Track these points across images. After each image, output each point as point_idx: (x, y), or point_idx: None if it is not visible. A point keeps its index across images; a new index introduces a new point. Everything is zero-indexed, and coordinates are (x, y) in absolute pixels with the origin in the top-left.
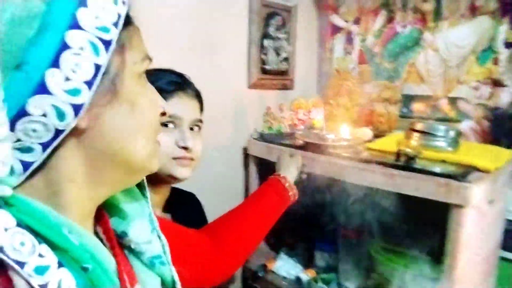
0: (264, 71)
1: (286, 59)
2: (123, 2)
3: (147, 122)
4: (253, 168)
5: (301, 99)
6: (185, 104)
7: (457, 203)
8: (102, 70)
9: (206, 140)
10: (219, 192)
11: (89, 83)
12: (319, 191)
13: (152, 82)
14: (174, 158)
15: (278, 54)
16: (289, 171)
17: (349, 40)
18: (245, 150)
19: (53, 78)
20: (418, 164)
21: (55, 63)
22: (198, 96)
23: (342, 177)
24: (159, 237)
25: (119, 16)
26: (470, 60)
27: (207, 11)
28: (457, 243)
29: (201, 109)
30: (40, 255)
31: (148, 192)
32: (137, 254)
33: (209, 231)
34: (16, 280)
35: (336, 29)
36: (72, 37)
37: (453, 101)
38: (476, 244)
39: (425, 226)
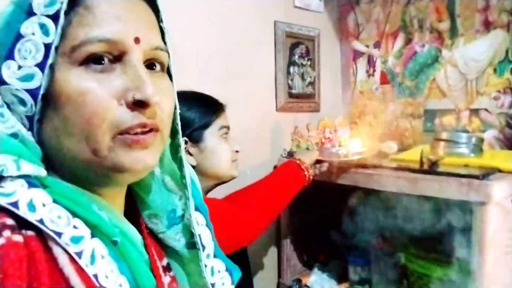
0: (291, 95)
1: (311, 83)
2: None
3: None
4: None
5: (327, 118)
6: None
7: (479, 201)
8: (53, 47)
9: (240, 160)
10: None
11: (41, 65)
12: (346, 203)
13: (205, 100)
14: (233, 161)
15: (303, 79)
16: (305, 157)
17: (371, 63)
18: (275, 168)
19: (8, 69)
20: (441, 168)
21: (11, 55)
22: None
23: (367, 185)
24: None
25: None
26: (488, 72)
27: (238, 43)
28: (483, 241)
29: None
30: (75, 227)
31: (189, 189)
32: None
33: (232, 200)
34: (55, 248)
35: (358, 54)
36: (26, 27)
37: (475, 112)
38: (504, 242)
39: (454, 232)
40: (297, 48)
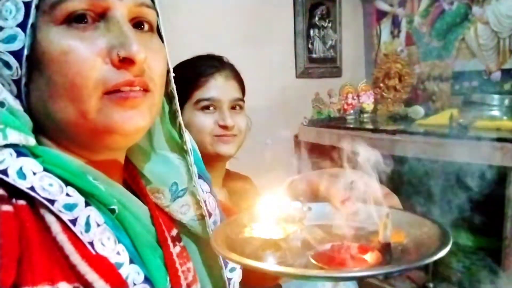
0: (311, 60)
1: (332, 47)
2: None
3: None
4: (304, 153)
5: (349, 84)
6: (222, 86)
7: None
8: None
9: (258, 128)
10: (273, 177)
11: (22, 25)
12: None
13: (192, 68)
14: (216, 136)
15: (324, 43)
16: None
17: (396, 23)
18: (296, 137)
19: None
20: (472, 133)
21: None
22: (236, 76)
23: (390, 151)
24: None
25: None
26: None
27: (254, 5)
28: None
29: (242, 89)
30: (68, 195)
31: (190, 156)
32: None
33: None
34: (47, 217)
35: (381, 14)
36: None
37: (507, 73)
38: None
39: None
40: (317, 9)
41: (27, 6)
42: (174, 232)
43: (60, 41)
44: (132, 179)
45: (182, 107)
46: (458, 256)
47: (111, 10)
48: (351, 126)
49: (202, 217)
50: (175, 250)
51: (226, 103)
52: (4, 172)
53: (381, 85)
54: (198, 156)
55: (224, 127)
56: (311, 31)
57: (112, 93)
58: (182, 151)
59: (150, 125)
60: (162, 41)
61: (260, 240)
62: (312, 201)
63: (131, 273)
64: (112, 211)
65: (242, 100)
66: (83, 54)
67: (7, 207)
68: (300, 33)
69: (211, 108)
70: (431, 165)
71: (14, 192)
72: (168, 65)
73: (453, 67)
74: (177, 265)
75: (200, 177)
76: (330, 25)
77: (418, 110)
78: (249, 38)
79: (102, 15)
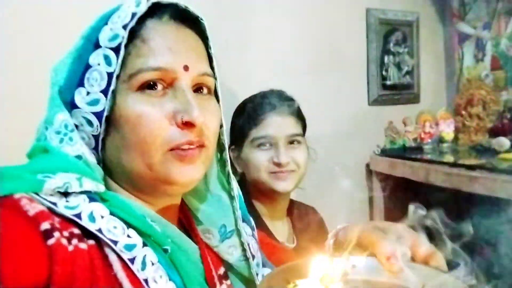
0: (385, 87)
1: (408, 73)
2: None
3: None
4: (376, 184)
5: (427, 111)
6: (277, 124)
7: None
8: (115, 75)
9: (328, 157)
10: (343, 207)
11: (105, 91)
12: (447, 207)
13: (250, 107)
14: (272, 173)
15: (399, 69)
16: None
17: (480, 46)
18: (367, 166)
19: (80, 95)
20: None
21: (81, 83)
22: (295, 112)
23: (470, 189)
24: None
25: (133, 15)
26: None
27: (325, 34)
28: None
29: (302, 123)
30: (129, 236)
31: (236, 201)
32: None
33: None
34: (110, 256)
35: (463, 37)
36: (93, 58)
37: None
38: None
39: None
40: (392, 36)
41: (110, 76)
42: (221, 270)
43: (135, 105)
44: (187, 219)
45: (242, 144)
46: None
47: (178, 81)
48: (426, 158)
49: (246, 258)
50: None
51: (282, 139)
52: (79, 215)
53: (463, 112)
54: (242, 201)
55: (278, 165)
56: (385, 58)
57: (174, 149)
58: (230, 196)
59: (203, 175)
60: (218, 102)
61: None
62: (357, 253)
63: None
64: (166, 250)
65: (301, 135)
66: (153, 117)
67: (83, 245)
68: (373, 60)
69: (267, 145)
70: None
71: (85, 232)
72: (221, 121)
73: None
74: None
75: (243, 220)
76: (406, 50)
77: (503, 142)
78: (319, 66)
79: (170, 84)
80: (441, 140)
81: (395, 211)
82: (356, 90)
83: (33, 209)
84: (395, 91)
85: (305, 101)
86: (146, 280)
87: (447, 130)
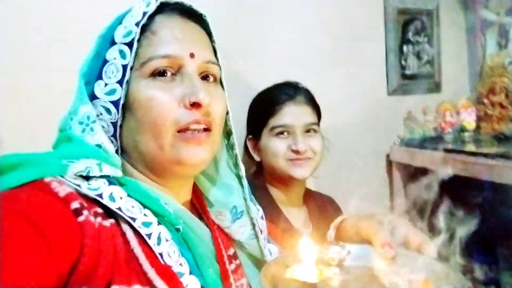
0: (405, 77)
1: (429, 62)
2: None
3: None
4: (396, 174)
5: (448, 100)
6: (295, 113)
7: None
8: (129, 67)
9: (348, 148)
10: (362, 198)
11: (120, 82)
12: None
13: (268, 97)
14: (290, 160)
15: (419, 58)
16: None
17: (503, 33)
18: (387, 156)
19: (99, 87)
20: None
21: (100, 76)
22: (310, 102)
23: (489, 178)
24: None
25: (144, 14)
26: None
27: (343, 23)
28: None
29: (317, 113)
30: (145, 215)
31: (244, 180)
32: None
33: None
34: (128, 233)
35: (486, 24)
36: (110, 53)
37: None
38: None
39: None
40: (411, 25)
41: (124, 67)
42: (231, 251)
43: (147, 90)
44: (199, 202)
45: (260, 133)
46: None
47: (185, 67)
48: (445, 147)
49: (255, 236)
50: (231, 267)
51: (299, 128)
52: (100, 196)
53: (485, 101)
54: (247, 184)
55: (296, 152)
56: (404, 47)
57: (183, 131)
58: (238, 177)
59: (211, 158)
60: (223, 89)
61: (299, 283)
62: (356, 242)
63: (190, 282)
64: (178, 230)
65: (316, 123)
66: (163, 100)
67: (106, 223)
68: (392, 50)
69: (285, 133)
70: None
71: (106, 212)
72: (227, 107)
73: None
74: (231, 280)
75: (250, 200)
76: (426, 39)
77: None
78: (337, 57)
79: (178, 70)
80: (462, 129)
81: (415, 201)
82: (375, 80)
83: (63, 190)
84: (415, 80)
85: (324, 92)
86: (161, 254)
87: (469, 119)
